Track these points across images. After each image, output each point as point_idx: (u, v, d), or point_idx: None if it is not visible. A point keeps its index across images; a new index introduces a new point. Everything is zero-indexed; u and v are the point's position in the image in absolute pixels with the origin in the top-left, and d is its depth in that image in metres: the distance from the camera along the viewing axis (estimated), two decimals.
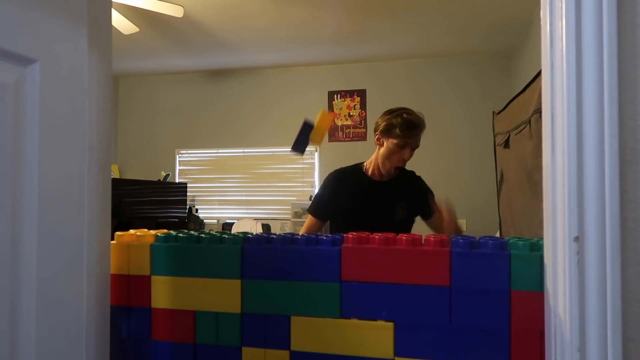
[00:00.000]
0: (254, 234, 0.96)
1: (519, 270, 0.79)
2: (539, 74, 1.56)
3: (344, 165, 2.06)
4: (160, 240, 0.97)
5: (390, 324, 0.85)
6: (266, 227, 4.54)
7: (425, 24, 3.63)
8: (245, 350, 0.91)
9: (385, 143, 1.89)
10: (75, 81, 0.77)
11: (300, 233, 1.15)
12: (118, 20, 3.06)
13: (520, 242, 0.81)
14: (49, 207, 0.71)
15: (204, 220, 4.87)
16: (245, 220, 4.65)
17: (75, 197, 0.77)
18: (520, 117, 2.16)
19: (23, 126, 0.67)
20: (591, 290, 0.67)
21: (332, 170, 2.06)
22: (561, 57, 0.70)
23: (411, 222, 2.03)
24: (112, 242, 0.97)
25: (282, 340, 0.89)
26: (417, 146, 1.88)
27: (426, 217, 2.01)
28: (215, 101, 4.98)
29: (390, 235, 0.88)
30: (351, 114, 4.66)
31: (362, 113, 4.64)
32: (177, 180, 4.98)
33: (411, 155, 1.88)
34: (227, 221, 4.80)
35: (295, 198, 4.71)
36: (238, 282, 0.92)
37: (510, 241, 0.83)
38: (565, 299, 0.69)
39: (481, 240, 0.84)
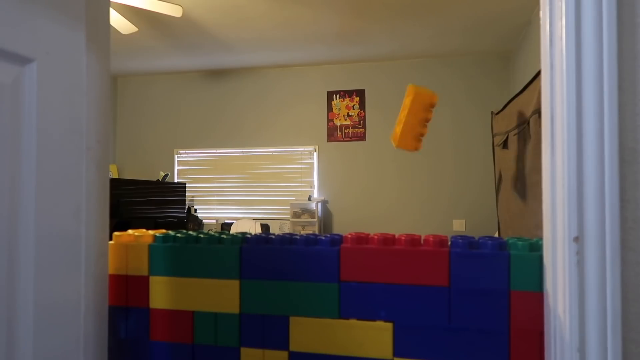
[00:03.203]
0: (253, 234, 0.96)
1: (518, 271, 0.79)
2: (538, 74, 1.56)
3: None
4: (158, 240, 0.97)
5: (389, 325, 0.84)
6: (265, 227, 4.54)
7: (424, 24, 3.63)
8: (244, 351, 0.91)
9: None
10: (73, 81, 0.76)
11: None
12: (117, 20, 3.06)
13: (520, 242, 0.80)
14: (47, 207, 0.71)
15: (203, 220, 4.87)
16: (244, 220, 4.65)
17: (73, 198, 0.76)
18: (519, 118, 2.15)
19: (20, 126, 0.67)
20: (591, 290, 0.67)
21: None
22: (561, 57, 0.70)
23: None
24: (111, 242, 0.97)
25: (280, 340, 0.89)
26: None
27: None
28: (214, 101, 4.98)
29: (389, 235, 0.87)
30: (350, 114, 4.66)
31: (361, 113, 4.64)
32: (175, 180, 4.98)
33: None
34: (226, 221, 4.80)
35: (294, 198, 4.70)
36: (237, 282, 0.91)
37: (510, 241, 0.83)
38: (565, 299, 0.69)
39: (480, 241, 0.84)
